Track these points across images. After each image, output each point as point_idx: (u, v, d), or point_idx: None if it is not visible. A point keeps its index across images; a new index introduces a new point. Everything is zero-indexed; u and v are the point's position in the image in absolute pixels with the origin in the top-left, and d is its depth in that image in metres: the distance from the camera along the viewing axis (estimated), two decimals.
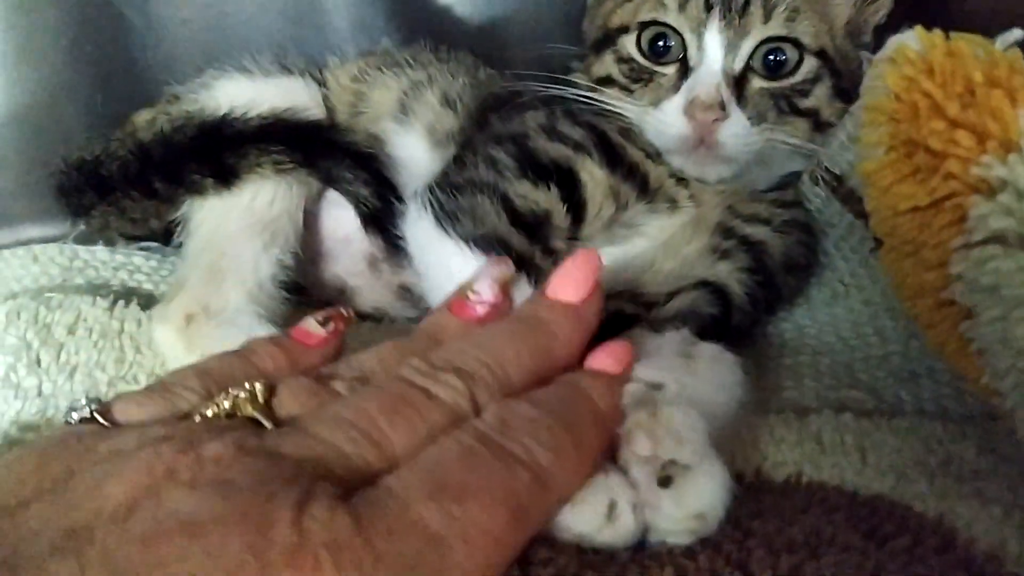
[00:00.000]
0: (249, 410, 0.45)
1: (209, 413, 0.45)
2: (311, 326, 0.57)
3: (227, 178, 0.84)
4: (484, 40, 1.25)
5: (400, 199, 0.87)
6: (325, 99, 0.98)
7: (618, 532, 0.48)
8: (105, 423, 0.45)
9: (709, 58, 0.80)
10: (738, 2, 0.81)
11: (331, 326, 0.57)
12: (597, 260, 0.55)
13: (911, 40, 0.56)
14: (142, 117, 0.95)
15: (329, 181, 0.89)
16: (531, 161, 0.81)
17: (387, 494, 0.39)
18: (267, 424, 0.44)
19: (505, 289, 0.57)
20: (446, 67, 1.02)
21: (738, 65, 0.80)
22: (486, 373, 0.47)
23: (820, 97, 0.82)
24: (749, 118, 0.79)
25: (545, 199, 0.79)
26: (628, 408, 0.53)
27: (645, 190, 0.83)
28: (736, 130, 0.78)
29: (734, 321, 0.81)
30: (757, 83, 0.81)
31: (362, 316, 0.91)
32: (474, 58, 1.07)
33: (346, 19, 1.19)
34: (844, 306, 0.86)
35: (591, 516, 0.48)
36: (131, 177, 0.86)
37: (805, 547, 0.52)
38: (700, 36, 0.81)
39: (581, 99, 0.85)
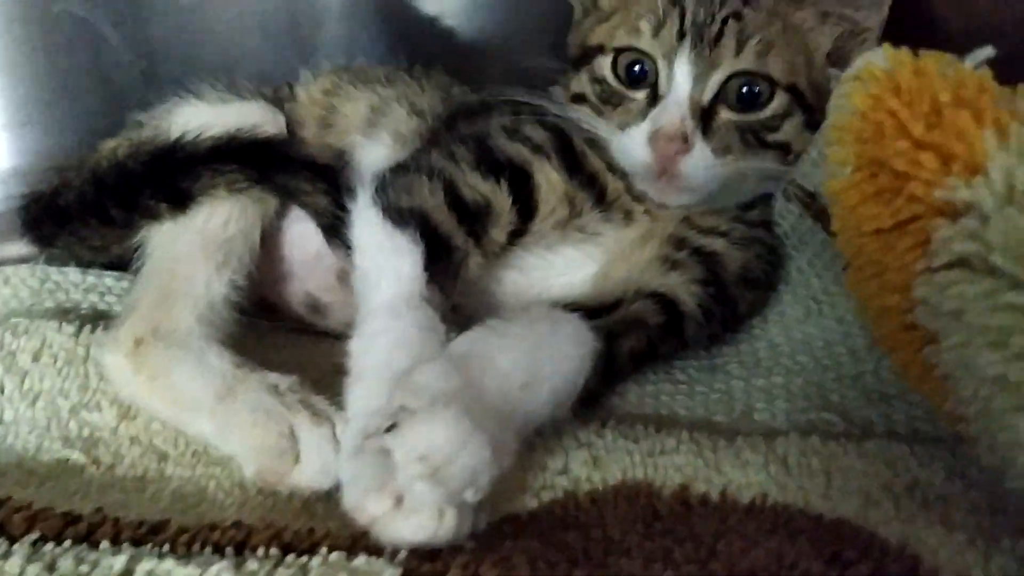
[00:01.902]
0: None
1: None
2: None
3: (181, 201, 0.83)
4: (472, 56, 1.25)
5: None
6: (292, 112, 0.98)
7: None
8: None
9: (678, 87, 0.79)
10: (711, 33, 0.80)
11: None
12: None
13: (878, 58, 0.55)
14: (108, 145, 0.94)
15: (286, 195, 0.88)
16: (488, 157, 0.82)
17: None
18: None
19: None
20: (418, 84, 1.02)
21: (707, 96, 0.79)
22: None
23: (789, 132, 0.82)
24: (714, 150, 0.78)
25: (491, 191, 0.80)
26: None
27: (601, 200, 0.84)
28: (699, 162, 0.78)
29: (688, 333, 0.81)
30: (725, 115, 0.80)
31: (336, 336, 0.90)
32: (449, 77, 1.07)
33: (332, 34, 1.19)
34: (817, 324, 0.85)
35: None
36: (88, 205, 0.85)
37: (766, 571, 0.51)
38: (671, 64, 0.80)
39: (552, 113, 0.85)
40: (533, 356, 0.65)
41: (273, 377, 0.69)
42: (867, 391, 0.76)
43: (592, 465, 0.65)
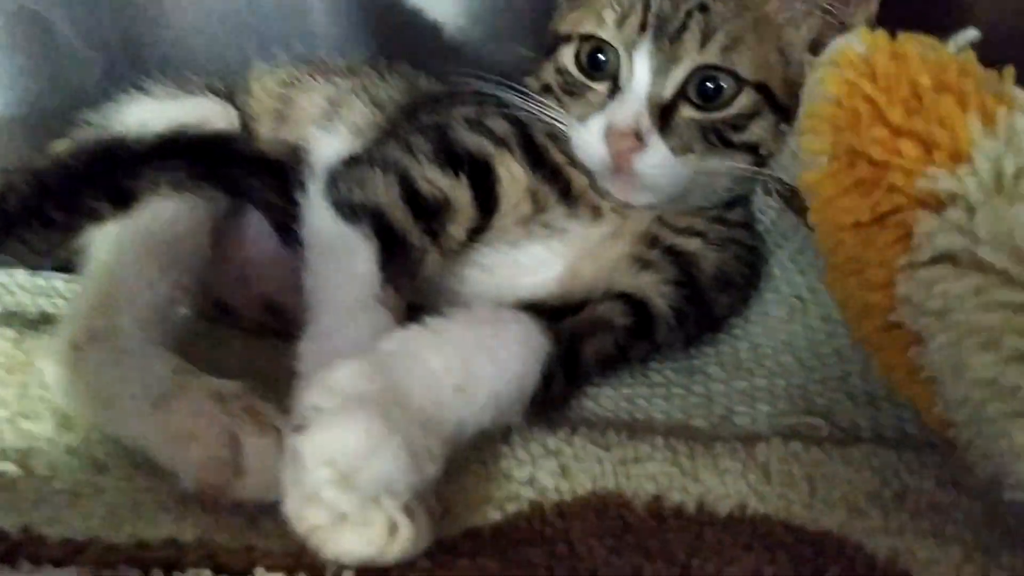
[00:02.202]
0: None
1: None
2: None
3: (125, 201, 0.79)
4: (458, 49, 1.22)
5: None
6: (246, 106, 0.94)
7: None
8: None
9: (636, 81, 0.75)
10: (673, 25, 0.76)
11: None
12: None
13: (854, 41, 0.52)
14: (60, 146, 0.91)
15: (235, 193, 0.84)
16: (447, 149, 0.79)
17: None
18: None
19: None
20: (379, 75, 0.98)
21: (667, 92, 0.75)
22: None
23: (757, 133, 0.77)
24: (672, 148, 0.74)
25: (450, 186, 0.77)
26: None
27: (566, 195, 0.80)
28: (655, 161, 0.74)
29: (659, 337, 0.77)
30: (687, 112, 0.76)
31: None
32: (415, 69, 1.04)
33: (310, 28, 1.16)
34: (802, 323, 0.81)
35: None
36: (30, 208, 0.81)
37: None
38: (631, 57, 0.76)
39: (517, 104, 0.81)
40: (470, 357, 0.60)
41: (217, 383, 0.64)
42: (853, 393, 0.73)
43: (560, 474, 0.61)
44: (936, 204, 0.46)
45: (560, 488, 0.60)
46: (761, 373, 0.78)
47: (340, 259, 0.71)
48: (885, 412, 0.70)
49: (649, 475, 0.62)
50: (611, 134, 0.73)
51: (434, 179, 0.76)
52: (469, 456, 0.62)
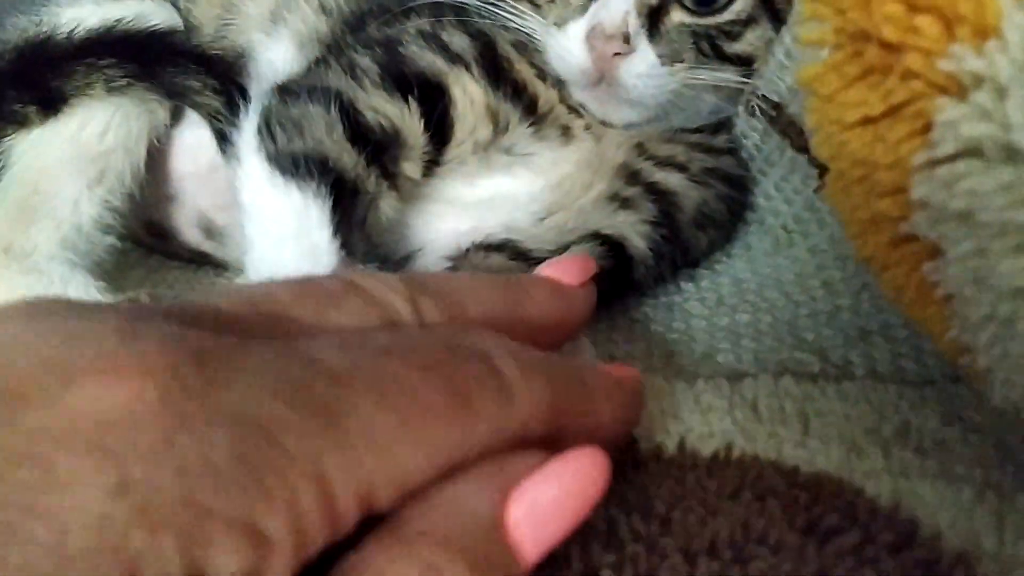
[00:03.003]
0: None
1: None
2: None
3: (53, 104, 0.72)
4: None
5: None
6: (188, 14, 0.86)
7: None
8: None
9: None
10: None
11: None
12: (590, 265, 0.49)
13: None
14: None
15: (174, 95, 0.76)
16: (396, 71, 0.70)
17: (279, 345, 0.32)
18: None
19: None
20: None
21: None
22: (435, 288, 0.40)
23: (752, 42, 0.71)
24: (660, 56, 0.67)
25: (398, 115, 0.68)
26: None
27: (531, 112, 0.72)
28: (641, 69, 0.67)
29: (636, 275, 0.72)
30: (677, 16, 0.69)
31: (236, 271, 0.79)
32: None
33: None
34: (788, 255, 0.75)
35: None
36: None
37: (730, 548, 0.42)
38: None
39: (482, 11, 0.74)
40: None
41: None
42: (844, 328, 0.67)
43: None
44: (959, 89, 0.39)
45: None
46: (745, 309, 0.72)
47: (286, 229, 0.63)
48: (878, 347, 0.65)
49: None
50: (595, 36, 0.66)
51: (380, 107, 0.68)
52: None
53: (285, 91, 0.71)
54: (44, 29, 0.76)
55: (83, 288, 0.64)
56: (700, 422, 0.55)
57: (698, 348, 0.68)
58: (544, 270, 0.49)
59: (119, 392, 0.27)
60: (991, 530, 0.42)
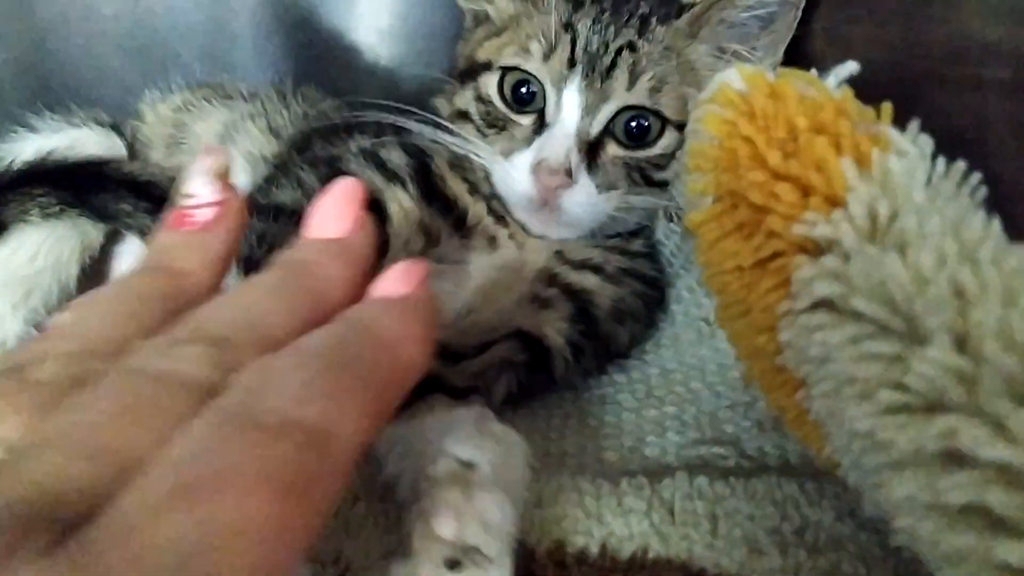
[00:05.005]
0: None
1: None
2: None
3: None
4: (378, 72, 1.21)
5: None
6: (139, 132, 0.91)
7: None
8: None
9: (565, 118, 0.75)
10: (604, 64, 0.75)
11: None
12: (356, 188, 0.46)
13: (733, 79, 0.51)
14: None
15: (107, 218, 0.81)
16: None
17: (120, 519, 0.30)
18: None
19: (226, 182, 0.47)
20: (281, 100, 0.96)
21: (595, 129, 0.75)
22: (242, 333, 0.38)
23: (676, 170, 0.78)
24: (598, 185, 0.74)
25: None
26: (438, 484, 0.51)
27: (460, 226, 0.79)
28: (581, 198, 0.74)
29: (558, 372, 0.77)
30: (613, 150, 0.76)
31: None
32: (321, 92, 1.01)
33: (249, 52, 1.14)
34: (710, 346, 0.81)
35: None
36: None
37: None
38: (560, 92, 0.76)
39: (425, 134, 0.79)
40: None
41: None
42: (760, 419, 0.73)
43: None
44: (814, 249, 0.45)
45: None
46: (671, 400, 0.78)
47: None
48: (790, 438, 0.69)
49: (555, 519, 0.61)
50: (540, 169, 0.72)
51: None
52: (369, 509, 0.61)
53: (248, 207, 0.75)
54: None
55: None
56: (621, 525, 0.60)
57: (627, 442, 0.73)
58: (313, 222, 0.46)
59: None
60: None
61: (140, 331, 0.39)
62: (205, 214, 0.46)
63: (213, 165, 0.47)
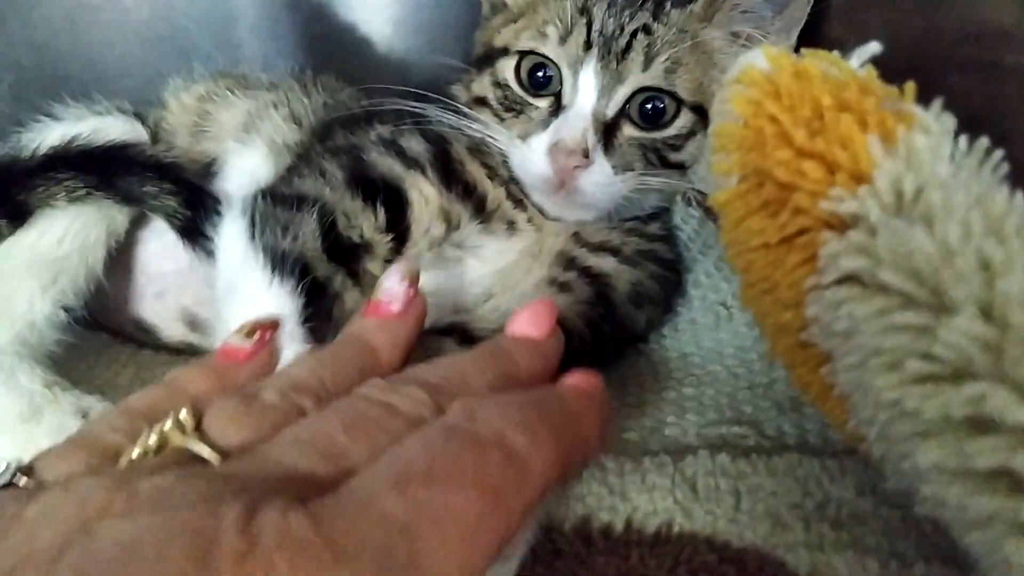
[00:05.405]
0: (178, 440, 0.43)
1: (135, 453, 0.42)
2: (235, 340, 0.55)
3: (21, 216, 0.79)
4: (392, 63, 1.22)
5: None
6: (162, 121, 0.92)
7: None
8: (30, 485, 0.41)
9: (581, 99, 0.76)
10: (619, 46, 0.77)
11: (257, 336, 0.56)
12: (552, 307, 0.57)
13: (758, 60, 0.52)
14: None
15: (131, 201, 0.83)
16: (361, 176, 0.77)
17: (348, 493, 0.37)
18: (202, 449, 0.42)
19: (415, 284, 0.58)
20: (303, 88, 0.97)
21: (611, 111, 0.76)
22: (451, 385, 0.48)
23: (691, 151, 0.80)
24: (614, 166, 0.75)
25: (369, 226, 0.75)
26: None
27: (480, 210, 0.80)
28: (598, 178, 0.75)
29: (576, 355, 0.77)
30: (628, 131, 0.77)
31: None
32: (339, 80, 1.02)
33: (266, 43, 1.15)
34: (728, 330, 0.82)
35: None
36: None
37: None
38: (576, 75, 0.77)
39: (444, 121, 0.80)
40: None
41: (87, 400, 0.65)
42: (779, 399, 0.74)
43: None
44: (840, 225, 0.46)
45: None
46: (690, 383, 0.78)
47: (261, 312, 0.69)
48: (809, 418, 0.71)
49: (579, 496, 0.62)
50: (557, 151, 0.73)
51: (353, 216, 0.75)
52: None
53: (273, 196, 0.76)
54: (10, 151, 0.83)
55: (27, 376, 0.70)
56: (645, 501, 0.61)
57: (647, 422, 0.74)
58: (516, 324, 0.56)
59: None
60: None
61: (337, 384, 0.49)
62: (397, 307, 0.57)
63: (406, 270, 0.58)
